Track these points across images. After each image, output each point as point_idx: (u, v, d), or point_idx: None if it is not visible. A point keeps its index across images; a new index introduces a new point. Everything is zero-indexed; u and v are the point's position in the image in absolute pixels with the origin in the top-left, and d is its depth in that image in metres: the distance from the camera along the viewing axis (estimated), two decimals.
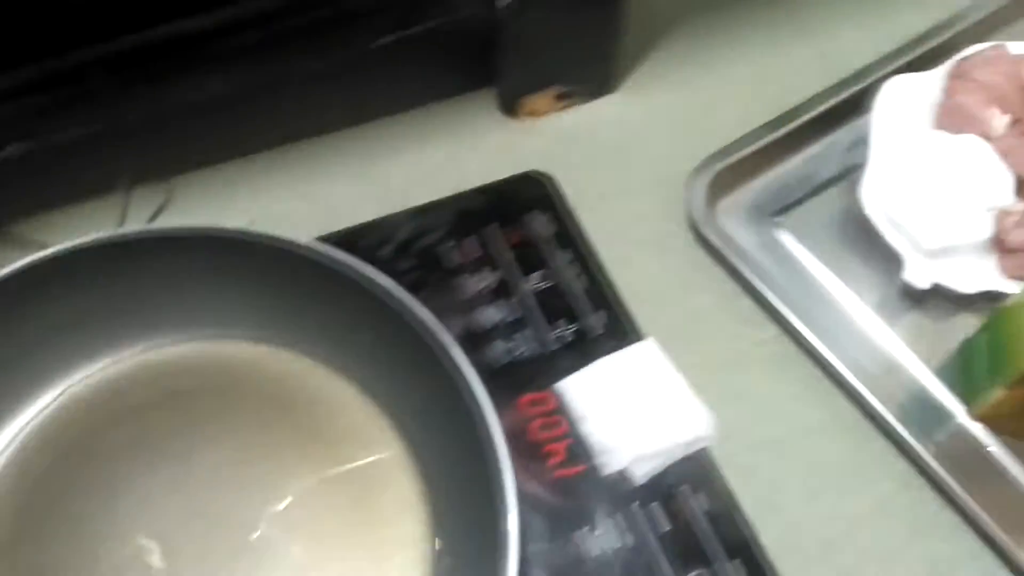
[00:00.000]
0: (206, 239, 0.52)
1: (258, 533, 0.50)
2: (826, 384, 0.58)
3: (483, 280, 0.60)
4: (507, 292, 0.59)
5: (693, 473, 0.53)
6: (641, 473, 0.52)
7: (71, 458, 0.54)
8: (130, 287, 0.54)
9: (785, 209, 0.64)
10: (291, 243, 0.51)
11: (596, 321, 0.58)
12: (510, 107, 0.71)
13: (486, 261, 0.60)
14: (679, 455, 0.53)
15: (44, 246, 0.51)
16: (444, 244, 0.61)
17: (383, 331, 0.51)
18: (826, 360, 0.57)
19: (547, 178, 0.65)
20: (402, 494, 0.52)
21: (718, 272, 0.63)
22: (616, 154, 0.69)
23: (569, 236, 0.62)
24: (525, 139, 0.70)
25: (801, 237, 0.63)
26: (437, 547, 0.50)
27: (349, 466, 0.53)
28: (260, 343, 0.56)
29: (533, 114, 0.71)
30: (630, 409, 0.54)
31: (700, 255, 0.64)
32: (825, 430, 0.57)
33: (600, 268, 0.60)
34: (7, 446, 0.54)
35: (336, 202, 0.65)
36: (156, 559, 0.50)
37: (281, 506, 0.51)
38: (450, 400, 0.47)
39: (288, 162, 0.68)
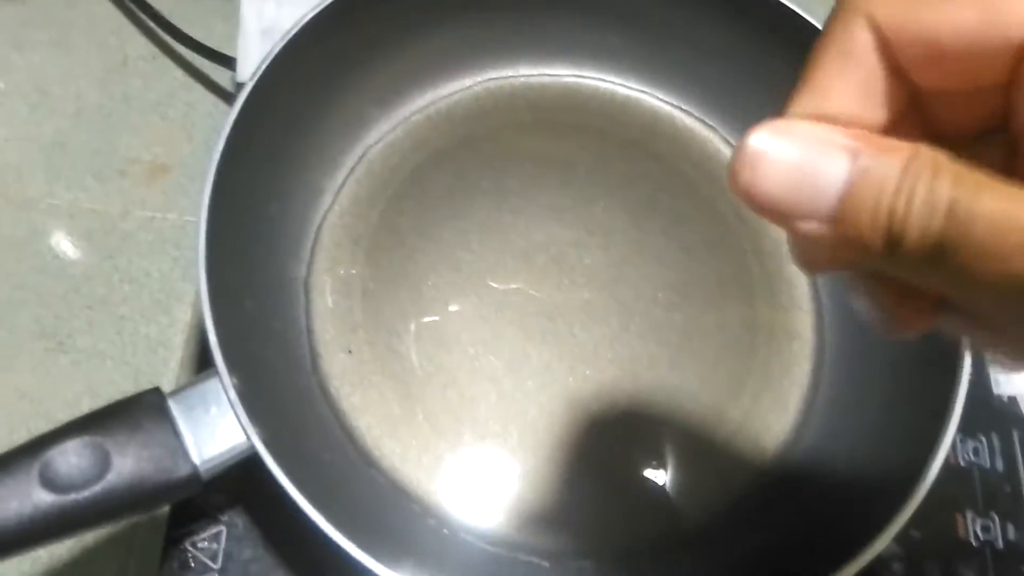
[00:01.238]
0: None
1: (619, 300, 0.49)
2: None
3: None
4: None
5: None
6: None
7: (472, 144, 0.53)
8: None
9: None
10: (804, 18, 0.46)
11: None
12: None
13: None
14: None
15: None
16: None
17: None
18: None
19: None
20: (795, 323, 0.49)
21: None
22: None
23: None
24: None
25: None
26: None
27: (738, 272, 0.50)
28: (690, 116, 0.54)
29: None
30: None
31: None
32: None
33: None
34: (416, 112, 0.53)
35: None
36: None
37: (651, 279, 0.50)
38: None
39: None
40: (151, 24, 0.60)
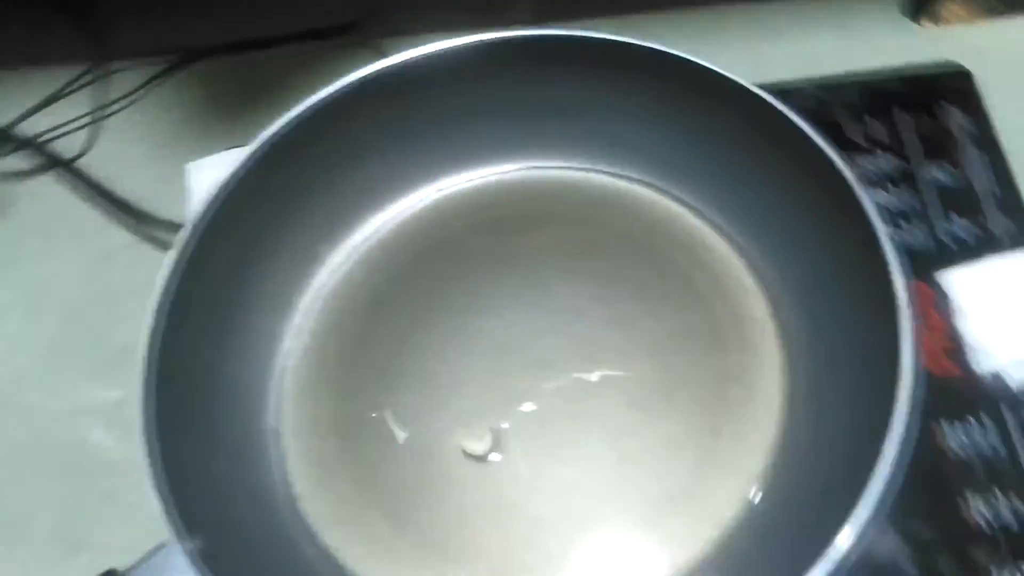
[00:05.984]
0: (619, 49, 0.48)
1: (594, 376, 0.49)
2: None
3: (882, 163, 0.57)
4: (904, 179, 0.56)
5: None
6: (1020, 378, 0.48)
7: (427, 259, 0.54)
8: (514, 100, 0.53)
9: None
10: (720, 75, 0.46)
11: (1000, 227, 0.54)
12: (918, 8, 0.65)
13: (889, 146, 0.57)
14: None
15: None
16: (850, 122, 0.58)
17: (785, 194, 0.48)
18: None
19: (967, 74, 0.61)
20: (764, 361, 0.48)
21: None
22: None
23: (986, 137, 0.57)
24: (924, 45, 0.64)
25: None
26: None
27: (705, 321, 0.50)
28: (635, 183, 0.55)
29: (942, 21, 0.65)
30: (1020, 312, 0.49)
31: None
32: None
33: (1014, 176, 0.56)
34: (367, 240, 0.54)
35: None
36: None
37: (622, 349, 0.50)
38: (850, 275, 0.43)
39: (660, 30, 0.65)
40: (123, 215, 0.63)
